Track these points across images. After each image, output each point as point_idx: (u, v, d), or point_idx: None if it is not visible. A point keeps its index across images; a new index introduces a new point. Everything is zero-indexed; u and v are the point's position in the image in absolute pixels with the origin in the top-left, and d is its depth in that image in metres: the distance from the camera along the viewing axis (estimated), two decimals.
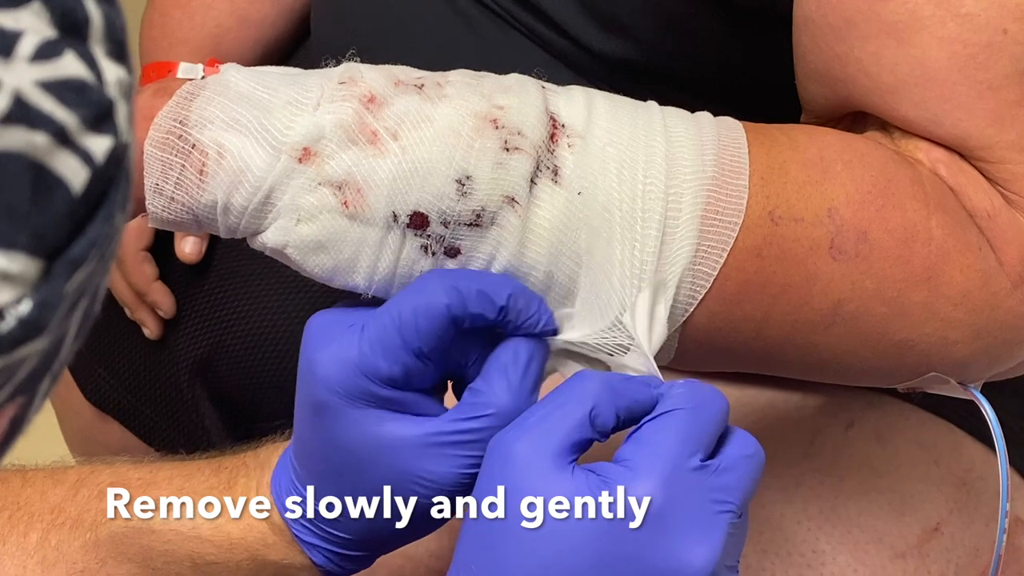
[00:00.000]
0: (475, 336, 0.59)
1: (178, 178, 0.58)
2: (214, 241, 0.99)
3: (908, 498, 0.80)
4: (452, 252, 0.59)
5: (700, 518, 0.54)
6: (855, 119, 0.68)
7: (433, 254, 0.59)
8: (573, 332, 0.61)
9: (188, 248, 0.98)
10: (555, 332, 0.60)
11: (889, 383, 0.68)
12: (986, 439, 0.83)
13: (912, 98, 0.64)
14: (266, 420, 0.98)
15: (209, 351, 0.97)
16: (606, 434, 0.56)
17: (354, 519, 0.59)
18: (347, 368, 0.57)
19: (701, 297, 0.61)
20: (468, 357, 0.59)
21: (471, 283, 0.57)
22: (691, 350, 0.63)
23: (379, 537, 0.61)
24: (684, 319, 0.61)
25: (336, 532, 0.61)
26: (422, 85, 0.60)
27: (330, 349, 0.58)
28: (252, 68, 0.61)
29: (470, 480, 0.57)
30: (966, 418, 0.82)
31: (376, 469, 0.58)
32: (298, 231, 0.59)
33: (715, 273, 0.60)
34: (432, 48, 0.65)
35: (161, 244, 1.00)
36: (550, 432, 0.55)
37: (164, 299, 0.98)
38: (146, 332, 0.99)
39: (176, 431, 1.00)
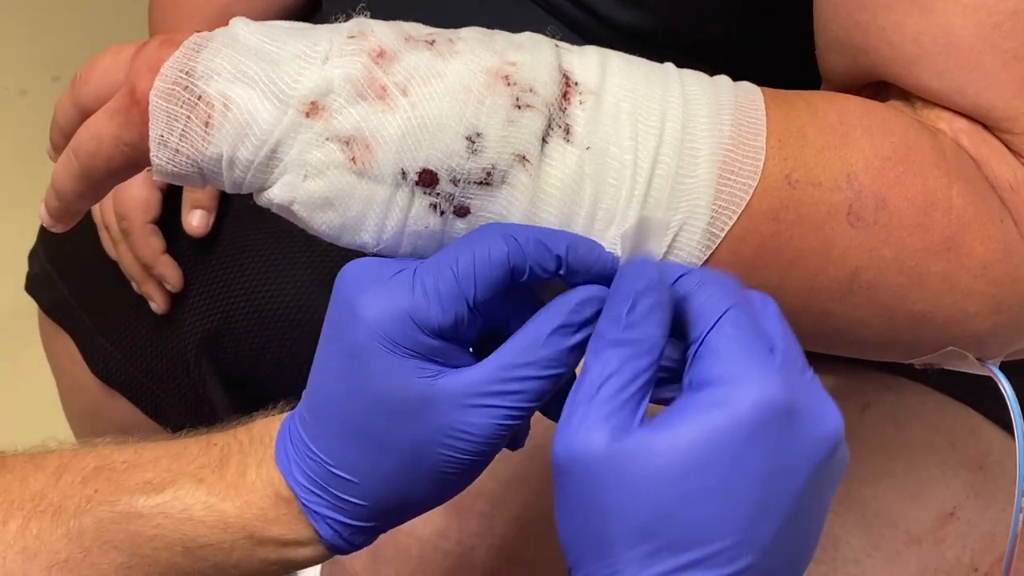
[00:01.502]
0: (523, 294, 0.58)
1: (183, 130, 0.57)
2: (222, 215, 0.99)
3: (924, 482, 0.79)
4: (462, 211, 0.58)
5: (806, 391, 0.52)
6: (876, 89, 0.67)
7: (442, 213, 0.58)
8: None
9: (196, 221, 0.97)
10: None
11: (906, 357, 0.67)
12: (1004, 423, 0.82)
13: (935, 67, 0.63)
14: (272, 396, 0.97)
15: (217, 326, 0.96)
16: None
17: (374, 482, 0.57)
18: (396, 313, 0.55)
19: (708, 257, 0.59)
20: (511, 314, 0.58)
21: (528, 233, 0.56)
22: None
23: (396, 503, 0.59)
24: None
25: (351, 498, 0.58)
26: (433, 41, 0.59)
27: (377, 293, 0.56)
28: (261, 22, 0.60)
29: (507, 433, 0.56)
30: (983, 401, 0.81)
31: (414, 422, 0.56)
32: (305, 187, 0.58)
33: (723, 234, 0.59)
34: (443, 17, 0.64)
35: (169, 217, 0.99)
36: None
37: (171, 272, 0.97)
38: (153, 306, 0.98)
39: (183, 407, 1.00)
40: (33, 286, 1.06)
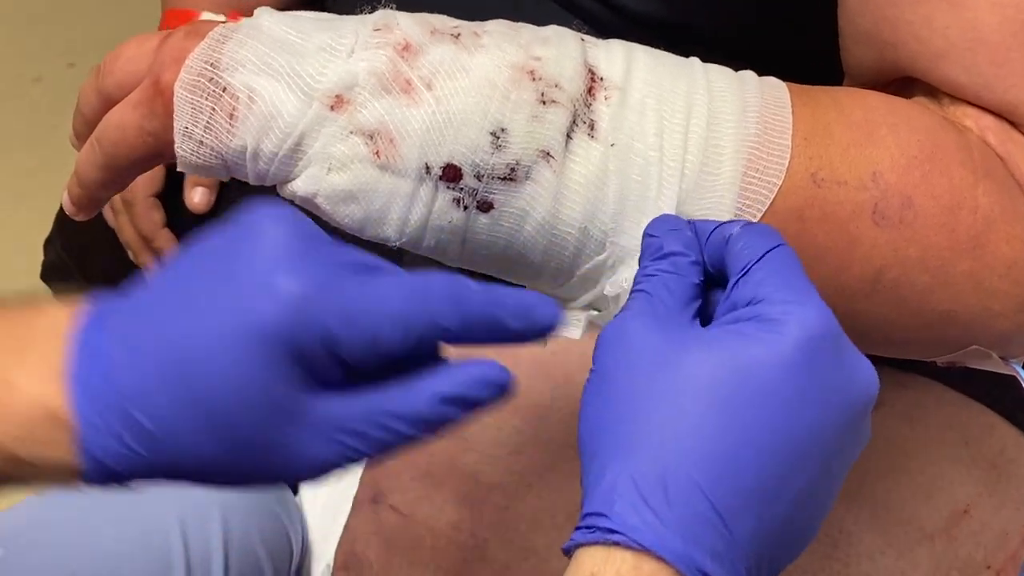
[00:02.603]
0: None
1: (208, 122, 0.57)
2: (225, 193, 0.98)
3: (937, 479, 0.79)
4: (485, 206, 0.58)
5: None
6: (902, 85, 0.67)
7: (465, 208, 0.58)
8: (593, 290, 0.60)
9: (197, 198, 0.96)
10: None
11: (930, 356, 0.66)
12: (1019, 422, 0.82)
13: (962, 63, 0.63)
14: None
15: None
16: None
17: (174, 446, 0.48)
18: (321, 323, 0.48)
19: None
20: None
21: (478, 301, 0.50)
22: None
23: (178, 471, 0.50)
24: None
25: (139, 449, 0.49)
26: (458, 34, 0.59)
27: (320, 285, 0.48)
28: (286, 12, 0.60)
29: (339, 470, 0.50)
30: (999, 400, 0.81)
31: (256, 417, 0.48)
32: (328, 180, 0.58)
33: None
34: (462, 12, 0.64)
35: (171, 194, 0.99)
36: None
37: (170, 247, 0.97)
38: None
39: None
40: (47, 274, 1.06)
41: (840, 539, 0.77)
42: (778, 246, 0.54)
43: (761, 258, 0.53)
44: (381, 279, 0.49)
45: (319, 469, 0.50)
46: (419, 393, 0.49)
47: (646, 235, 0.56)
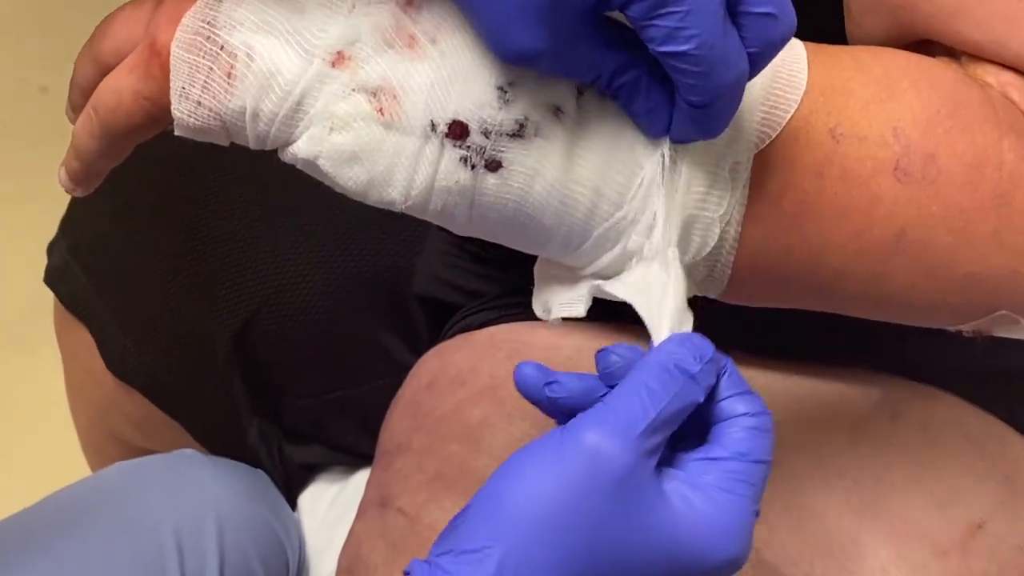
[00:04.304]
0: None
1: (205, 81, 0.56)
2: (248, 212, 0.97)
3: (952, 492, 0.78)
4: (493, 165, 0.56)
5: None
6: (917, 49, 0.65)
7: (473, 167, 0.56)
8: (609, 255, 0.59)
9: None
10: None
11: (955, 322, 0.64)
12: None
13: (975, 19, 0.61)
14: (294, 396, 0.96)
15: (245, 326, 0.95)
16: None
17: None
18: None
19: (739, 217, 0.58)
20: None
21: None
22: (747, 278, 0.60)
23: None
24: (733, 240, 0.59)
25: None
26: None
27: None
28: None
29: None
30: (1016, 416, 0.80)
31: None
32: (331, 140, 0.56)
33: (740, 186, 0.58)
34: None
35: (192, 221, 0.98)
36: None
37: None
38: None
39: (202, 404, 0.99)
40: (51, 278, 1.05)
41: (853, 552, 0.76)
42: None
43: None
44: None
45: None
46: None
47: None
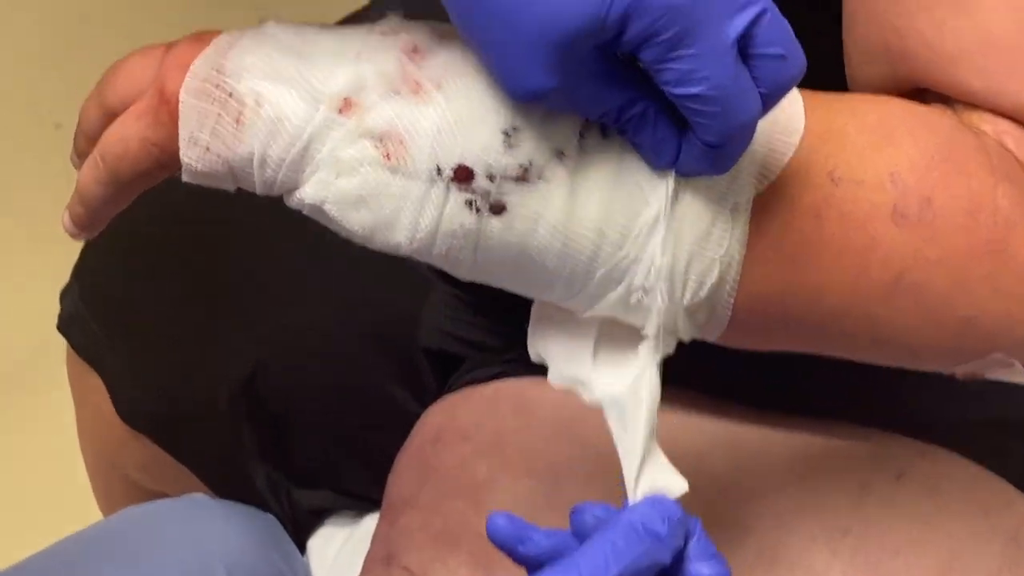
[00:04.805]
0: None
1: (214, 127, 0.57)
2: (257, 263, 0.98)
3: (957, 553, 0.77)
4: (497, 208, 0.57)
5: None
6: (914, 96, 0.66)
7: (478, 210, 0.57)
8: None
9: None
10: None
11: (950, 365, 0.65)
12: None
13: (976, 67, 0.62)
14: (301, 443, 0.97)
15: (252, 372, 0.96)
16: None
17: None
18: None
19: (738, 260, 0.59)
20: None
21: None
22: (746, 320, 0.61)
23: None
24: (734, 281, 0.59)
25: None
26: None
27: None
28: (292, 23, 0.60)
29: None
30: (1009, 467, 0.80)
31: None
32: (338, 185, 0.57)
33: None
34: None
35: (202, 268, 0.98)
36: None
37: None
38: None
39: (212, 450, 0.99)
40: (64, 325, 1.06)
41: None
42: None
43: None
44: None
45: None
46: None
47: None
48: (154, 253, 0.99)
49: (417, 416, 0.90)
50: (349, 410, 0.96)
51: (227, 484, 0.99)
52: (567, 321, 0.62)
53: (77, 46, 1.92)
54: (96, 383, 1.03)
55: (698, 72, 0.52)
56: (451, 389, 0.90)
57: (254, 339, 0.97)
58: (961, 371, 0.65)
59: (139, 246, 1.00)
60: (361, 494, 0.97)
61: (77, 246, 1.03)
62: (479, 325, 0.91)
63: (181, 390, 0.99)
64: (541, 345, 0.64)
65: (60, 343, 1.07)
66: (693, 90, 0.53)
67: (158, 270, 0.99)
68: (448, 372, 0.93)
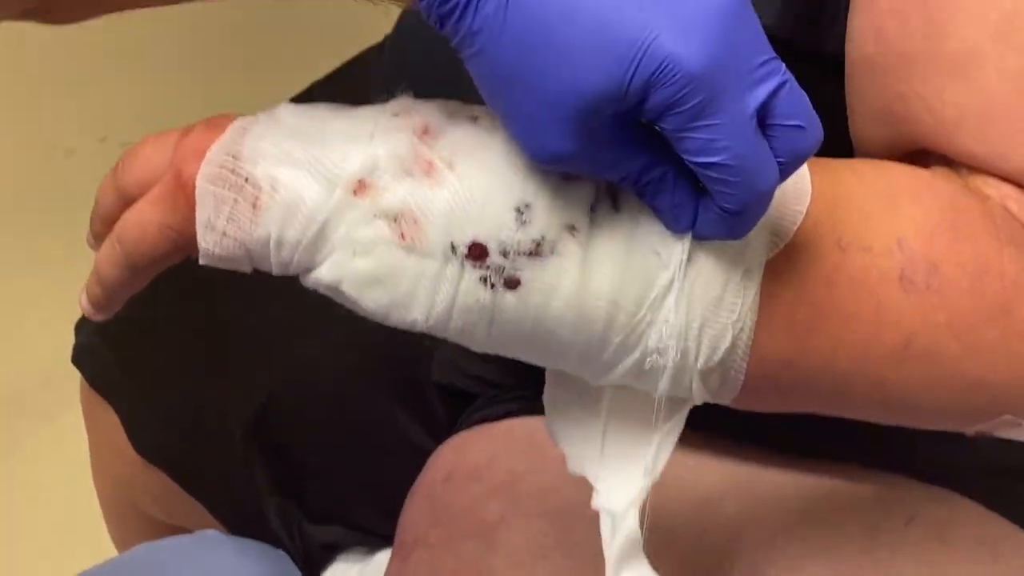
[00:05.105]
0: None
1: (231, 212, 0.58)
2: (269, 297, 0.99)
3: None
4: (512, 283, 0.58)
5: None
6: (918, 157, 0.67)
7: (492, 286, 0.58)
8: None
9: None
10: None
11: (961, 426, 0.66)
12: None
13: (977, 134, 0.63)
14: (313, 477, 0.97)
15: (264, 407, 0.96)
16: None
17: None
18: None
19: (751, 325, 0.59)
20: None
21: None
22: (759, 384, 0.61)
23: None
24: (746, 346, 0.60)
25: None
26: (476, 117, 0.59)
27: None
28: (304, 104, 0.61)
29: None
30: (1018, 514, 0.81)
31: None
32: (354, 265, 0.58)
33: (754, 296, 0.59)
34: (479, 99, 0.65)
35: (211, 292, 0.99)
36: None
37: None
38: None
39: (224, 484, 1.00)
40: (79, 357, 1.07)
41: None
42: None
43: None
44: None
45: None
46: None
47: None
48: (168, 288, 1.00)
49: (429, 451, 0.91)
50: (361, 445, 0.96)
51: (239, 518, 1.00)
52: (580, 394, 0.63)
53: (88, 72, 1.93)
54: (110, 415, 1.04)
55: (719, 142, 0.53)
56: (463, 426, 0.90)
57: (266, 373, 0.97)
58: (972, 430, 0.66)
59: (153, 281, 1.00)
60: (373, 529, 0.98)
61: (87, 274, 1.04)
62: (491, 361, 0.91)
63: (194, 424, 1.00)
64: (558, 426, 0.66)
65: (73, 373, 1.08)
66: (713, 159, 0.53)
67: (172, 304, 1.00)
68: (460, 407, 0.94)
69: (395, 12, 0.62)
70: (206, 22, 1.83)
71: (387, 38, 1.07)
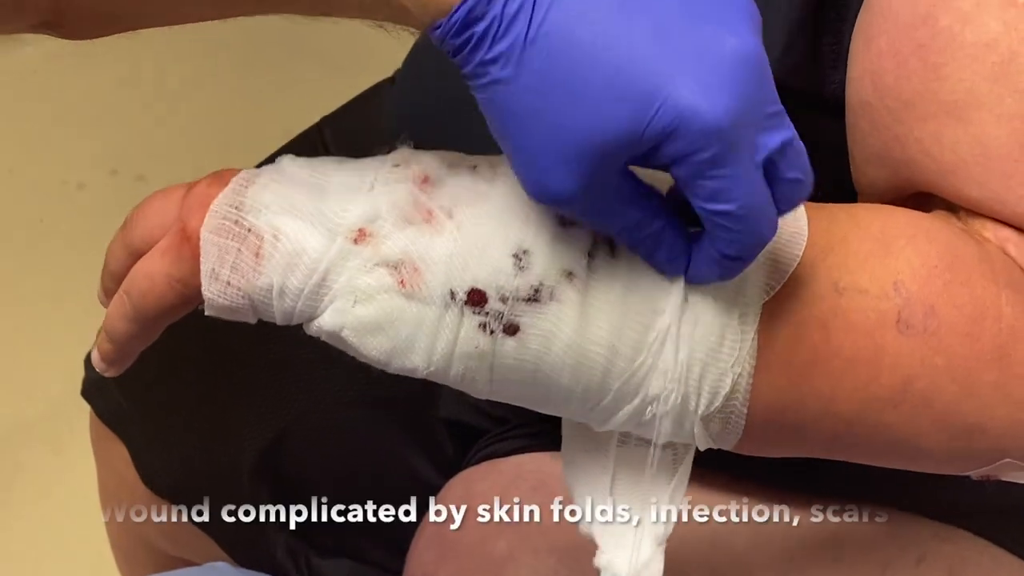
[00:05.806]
0: None
1: (234, 262, 0.59)
2: (278, 334, 0.99)
3: None
4: (511, 329, 0.58)
5: None
6: (918, 201, 0.67)
7: (491, 332, 0.58)
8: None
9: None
10: None
11: (962, 469, 0.66)
12: None
13: (974, 177, 0.63)
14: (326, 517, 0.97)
15: (272, 443, 0.96)
16: None
17: None
18: None
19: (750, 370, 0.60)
20: None
21: None
22: (759, 428, 0.62)
23: None
24: (746, 390, 0.60)
25: None
26: (475, 166, 0.60)
27: None
28: (307, 158, 0.62)
29: None
30: None
31: None
32: (355, 312, 0.58)
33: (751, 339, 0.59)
34: (478, 147, 0.65)
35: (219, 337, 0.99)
36: None
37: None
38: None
39: (234, 519, 0.99)
40: (88, 391, 1.07)
41: None
42: None
43: None
44: None
45: None
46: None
47: None
48: (176, 325, 1.00)
49: (437, 486, 0.91)
50: (368, 479, 0.96)
51: (248, 553, 1.00)
52: (588, 445, 0.64)
53: (99, 106, 1.94)
54: (119, 448, 1.04)
55: (731, 191, 0.54)
56: (471, 462, 0.90)
57: (275, 408, 0.97)
58: (974, 475, 0.66)
59: None
60: (381, 565, 0.98)
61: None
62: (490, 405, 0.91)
63: (203, 458, 1.00)
64: (572, 478, 0.66)
65: (82, 405, 1.08)
66: (724, 207, 0.54)
67: (181, 338, 1.00)
68: (468, 443, 0.94)
69: (409, 41, 0.63)
70: (216, 54, 1.84)
71: (397, 72, 1.08)
